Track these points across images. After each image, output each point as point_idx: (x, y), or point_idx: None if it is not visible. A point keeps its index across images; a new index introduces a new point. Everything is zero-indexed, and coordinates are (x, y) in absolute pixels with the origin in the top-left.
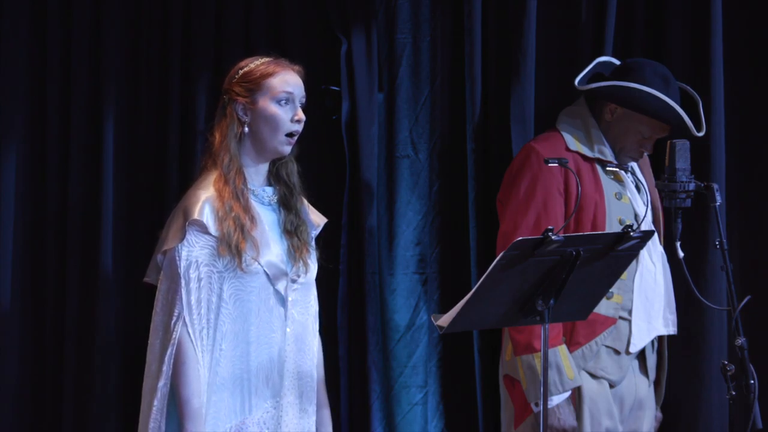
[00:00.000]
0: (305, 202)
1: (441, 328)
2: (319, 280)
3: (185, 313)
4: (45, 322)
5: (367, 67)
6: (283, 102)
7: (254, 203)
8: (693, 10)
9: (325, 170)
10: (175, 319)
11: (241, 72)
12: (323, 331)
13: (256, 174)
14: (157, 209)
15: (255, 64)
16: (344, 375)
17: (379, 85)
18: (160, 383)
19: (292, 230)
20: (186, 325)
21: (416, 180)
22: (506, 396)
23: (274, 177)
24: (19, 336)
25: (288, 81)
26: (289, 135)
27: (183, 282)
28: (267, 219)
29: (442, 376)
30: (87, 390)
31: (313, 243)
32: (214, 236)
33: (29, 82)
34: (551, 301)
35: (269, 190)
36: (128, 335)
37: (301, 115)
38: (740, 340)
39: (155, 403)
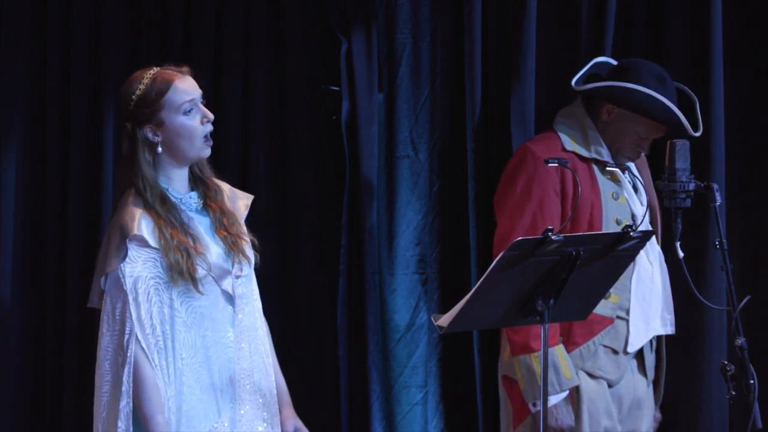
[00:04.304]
0: (226, 188)
1: (441, 328)
2: (319, 280)
3: (137, 329)
4: (45, 322)
5: (367, 67)
6: (188, 111)
7: (185, 211)
8: (693, 10)
9: (325, 170)
10: (127, 336)
11: (134, 97)
12: (323, 331)
13: (180, 181)
14: None
15: (145, 83)
16: (344, 375)
17: (379, 85)
18: (122, 403)
19: (223, 228)
20: (139, 341)
21: (416, 180)
22: (505, 397)
23: (194, 178)
24: (19, 336)
25: (185, 89)
26: (205, 137)
27: (131, 298)
28: (201, 224)
29: (442, 376)
30: (87, 390)
31: (245, 231)
32: (154, 248)
33: (29, 82)
34: (551, 301)
35: (194, 195)
36: None
37: (209, 115)
38: (740, 340)
39: (120, 424)
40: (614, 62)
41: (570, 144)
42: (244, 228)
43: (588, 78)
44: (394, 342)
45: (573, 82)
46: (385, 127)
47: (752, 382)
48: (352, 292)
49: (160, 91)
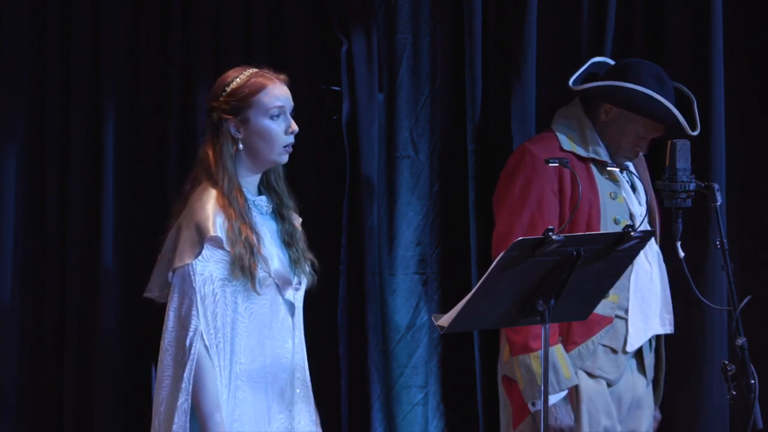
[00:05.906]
0: (292, 206)
1: (441, 328)
2: (320, 280)
3: (202, 328)
4: (45, 322)
5: (367, 67)
6: (275, 116)
7: (255, 214)
8: (693, 10)
9: (325, 170)
10: (192, 334)
11: (228, 89)
12: (323, 331)
13: (252, 184)
14: (158, 209)
15: (241, 79)
16: (344, 375)
17: (380, 86)
18: (180, 400)
19: (290, 240)
20: (203, 341)
21: (416, 180)
22: (504, 397)
23: (265, 185)
24: (19, 336)
25: (278, 95)
26: (285, 146)
27: (199, 297)
28: (268, 228)
29: (443, 376)
30: (87, 390)
31: (307, 249)
32: (227, 251)
33: (29, 82)
34: (552, 302)
35: (264, 198)
36: (128, 335)
37: (294, 127)
38: (740, 340)
39: (176, 419)
40: (612, 62)
41: (568, 144)
42: (306, 247)
43: (586, 78)
44: (395, 342)
45: (570, 82)
46: (385, 127)
47: (752, 382)
48: (352, 292)
49: (253, 89)
